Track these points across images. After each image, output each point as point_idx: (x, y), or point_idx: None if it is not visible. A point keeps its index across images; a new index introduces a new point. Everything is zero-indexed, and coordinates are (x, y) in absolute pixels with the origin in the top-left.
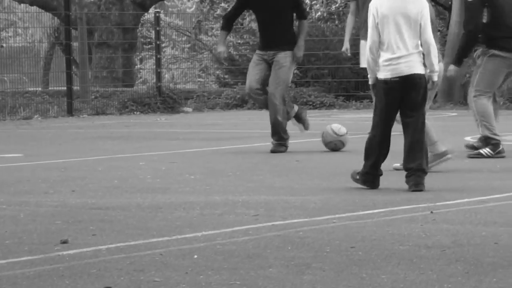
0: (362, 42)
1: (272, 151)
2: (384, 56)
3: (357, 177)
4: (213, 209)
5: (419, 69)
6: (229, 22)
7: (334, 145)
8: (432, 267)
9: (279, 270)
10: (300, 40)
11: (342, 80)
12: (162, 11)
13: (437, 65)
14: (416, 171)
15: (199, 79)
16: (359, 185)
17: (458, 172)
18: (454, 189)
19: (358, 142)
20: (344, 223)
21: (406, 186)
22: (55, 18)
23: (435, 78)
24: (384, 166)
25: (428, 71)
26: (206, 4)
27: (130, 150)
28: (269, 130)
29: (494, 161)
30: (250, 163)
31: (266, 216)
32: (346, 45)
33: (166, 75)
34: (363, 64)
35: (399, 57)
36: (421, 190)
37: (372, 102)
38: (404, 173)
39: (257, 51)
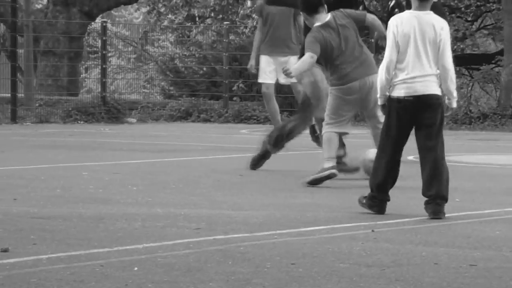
0: (262, 57)
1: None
2: (399, 75)
3: (364, 201)
4: (155, 221)
5: (436, 90)
6: None
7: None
8: (371, 286)
9: (219, 284)
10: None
11: (287, 96)
12: (109, 21)
13: (455, 91)
14: (435, 198)
15: (144, 90)
16: (304, 201)
17: (400, 191)
18: (395, 208)
19: (301, 159)
20: (285, 239)
21: (348, 204)
22: (1, 24)
23: (454, 105)
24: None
25: (446, 98)
26: (153, 15)
27: (73, 160)
28: (211, 144)
29: None
30: (193, 176)
31: (207, 230)
32: (252, 62)
33: (111, 85)
34: (261, 79)
35: (414, 77)
36: (440, 218)
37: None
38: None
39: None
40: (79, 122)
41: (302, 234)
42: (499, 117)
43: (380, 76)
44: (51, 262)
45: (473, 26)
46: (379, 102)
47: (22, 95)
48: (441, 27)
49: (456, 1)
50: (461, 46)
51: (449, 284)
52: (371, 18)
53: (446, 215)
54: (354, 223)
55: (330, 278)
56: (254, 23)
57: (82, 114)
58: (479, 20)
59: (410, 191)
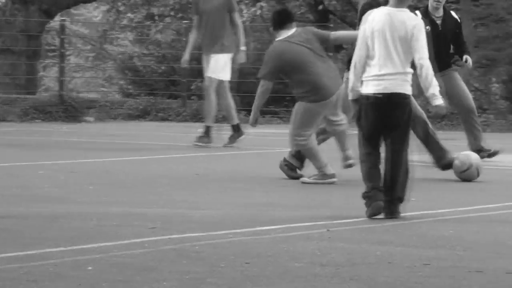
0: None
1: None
2: (370, 72)
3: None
4: (110, 221)
5: (405, 89)
6: None
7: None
8: (326, 285)
9: (173, 284)
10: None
11: (245, 95)
12: (68, 19)
13: (431, 89)
14: (392, 199)
15: (102, 89)
16: (259, 200)
17: (356, 190)
18: (352, 207)
19: (256, 157)
20: (240, 239)
21: (305, 203)
22: None
23: (434, 103)
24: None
25: (426, 96)
26: (113, 13)
27: (30, 159)
28: (170, 143)
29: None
30: (150, 175)
31: (163, 229)
32: (186, 57)
33: (69, 84)
34: (207, 73)
35: (384, 75)
36: (395, 218)
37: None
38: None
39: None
40: (36, 121)
41: (258, 233)
42: (456, 116)
43: (350, 71)
44: (5, 261)
45: None
46: (349, 97)
47: None
48: (413, 25)
49: None
50: None
51: (403, 283)
52: (334, 35)
53: (401, 215)
54: (310, 223)
55: (285, 277)
56: None
57: (40, 112)
58: None
59: None
